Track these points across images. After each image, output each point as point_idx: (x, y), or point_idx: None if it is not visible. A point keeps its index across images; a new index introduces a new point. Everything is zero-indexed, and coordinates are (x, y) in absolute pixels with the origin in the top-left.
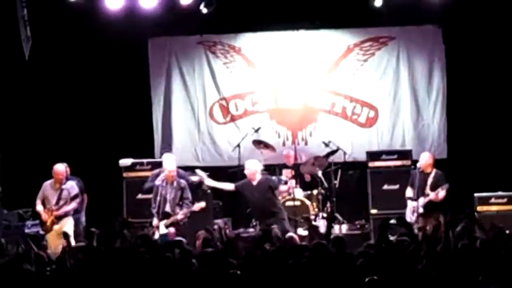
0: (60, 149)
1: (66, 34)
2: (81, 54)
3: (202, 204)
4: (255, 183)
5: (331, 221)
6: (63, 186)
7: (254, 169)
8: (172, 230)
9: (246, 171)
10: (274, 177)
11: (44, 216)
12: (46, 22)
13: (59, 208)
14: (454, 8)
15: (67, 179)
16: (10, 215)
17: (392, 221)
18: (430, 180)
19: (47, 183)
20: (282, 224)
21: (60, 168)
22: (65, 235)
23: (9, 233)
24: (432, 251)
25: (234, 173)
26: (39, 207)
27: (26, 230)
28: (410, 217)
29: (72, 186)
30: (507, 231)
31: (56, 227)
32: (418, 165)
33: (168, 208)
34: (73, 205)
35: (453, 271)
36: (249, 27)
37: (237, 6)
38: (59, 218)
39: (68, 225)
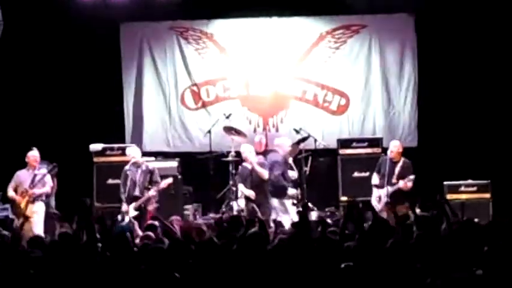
0: (31, 133)
1: (38, 18)
2: (53, 38)
3: (169, 180)
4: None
5: (305, 208)
6: (36, 172)
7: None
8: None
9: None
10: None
11: (18, 198)
12: (18, 6)
13: (33, 189)
14: None
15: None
16: None
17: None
18: (397, 169)
19: (19, 172)
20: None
21: (35, 153)
22: None
23: None
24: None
25: (205, 159)
26: (11, 193)
27: None
28: (376, 205)
29: (44, 172)
30: (476, 220)
31: (28, 210)
32: (388, 153)
33: (137, 192)
34: (46, 188)
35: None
36: (222, 14)
37: None
38: (31, 201)
39: (39, 209)
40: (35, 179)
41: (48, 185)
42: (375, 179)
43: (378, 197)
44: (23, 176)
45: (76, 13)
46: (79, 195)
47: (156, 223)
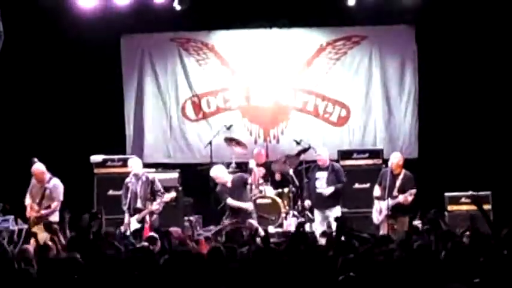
0: (32, 144)
1: (39, 30)
2: (53, 50)
3: (173, 194)
4: (229, 185)
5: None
6: (47, 185)
7: (218, 176)
8: (146, 225)
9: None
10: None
11: (28, 212)
12: (18, 18)
13: (41, 209)
14: (427, 8)
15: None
16: None
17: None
18: (398, 182)
19: (33, 182)
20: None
21: (40, 167)
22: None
23: None
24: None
25: (206, 170)
26: (28, 201)
27: None
28: (377, 217)
29: (54, 186)
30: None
31: (35, 226)
32: (388, 164)
33: (139, 204)
34: (55, 204)
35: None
36: (222, 25)
37: (210, 4)
38: (39, 218)
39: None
40: (44, 193)
41: (57, 199)
42: (377, 191)
43: (379, 210)
44: (34, 187)
45: (77, 25)
46: (79, 206)
47: (156, 235)
